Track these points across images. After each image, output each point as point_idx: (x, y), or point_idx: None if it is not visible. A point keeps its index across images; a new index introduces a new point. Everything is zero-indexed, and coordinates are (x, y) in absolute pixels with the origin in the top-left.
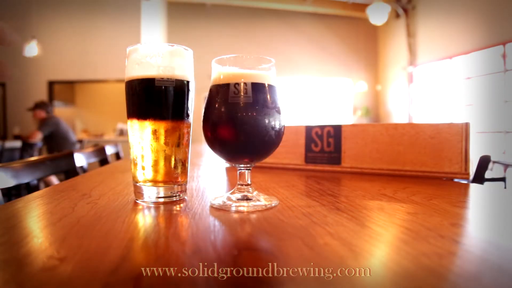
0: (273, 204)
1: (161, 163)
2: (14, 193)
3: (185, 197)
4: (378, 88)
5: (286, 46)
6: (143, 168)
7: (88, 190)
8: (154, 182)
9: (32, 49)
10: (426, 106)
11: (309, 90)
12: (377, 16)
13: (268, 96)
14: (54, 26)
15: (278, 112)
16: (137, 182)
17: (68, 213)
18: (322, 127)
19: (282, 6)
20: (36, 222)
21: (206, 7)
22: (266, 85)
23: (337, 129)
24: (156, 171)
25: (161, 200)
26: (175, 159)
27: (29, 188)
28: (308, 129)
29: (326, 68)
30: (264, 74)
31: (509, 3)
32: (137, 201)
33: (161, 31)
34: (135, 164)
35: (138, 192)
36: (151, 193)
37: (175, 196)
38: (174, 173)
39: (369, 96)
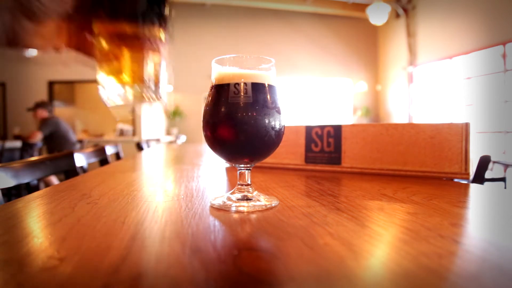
0: (273, 204)
1: None
2: (14, 193)
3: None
4: (378, 88)
5: (286, 46)
6: None
7: (88, 190)
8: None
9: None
10: (426, 106)
11: (309, 90)
12: (377, 16)
13: (268, 96)
14: None
15: (278, 112)
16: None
17: (68, 213)
18: (322, 127)
19: (282, 6)
20: (36, 222)
21: (206, 7)
22: (266, 85)
23: (337, 129)
24: None
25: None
26: None
27: (29, 188)
28: (308, 129)
29: (326, 68)
30: (264, 74)
31: (509, 3)
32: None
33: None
34: None
35: None
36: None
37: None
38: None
39: (369, 96)
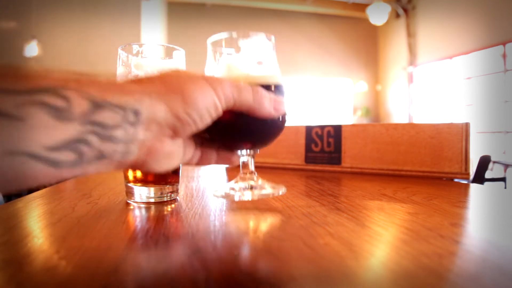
0: (280, 193)
1: None
2: (14, 193)
3: (177, 198)
4: (378, 88)
5: (286, 46)
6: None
7: (88, 190)
8: (145, 182)
9: (32, 49)
10: (426, 106)
11: (309, 90)
12: (377, 16)
13: (271, 77)
14: (54, 26)
15: (282, 94)
16: (128, 182)
17: (68, 213)
18: (322, 127)
19: (282, 6)
20: (36, 222)
21: (206, 7)
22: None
23: (337, 129)
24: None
25: (152, 200)
26: None
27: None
28: (308, 129)
29: (326, 68)
30: (266, 53)
31: (509, 3)
32: (128, 201)
33: (161, 31)
34: None
35: (129, 192)
36: (142, 193)
37: (166, 196)
38: (165, 174)
39: (369, 96)
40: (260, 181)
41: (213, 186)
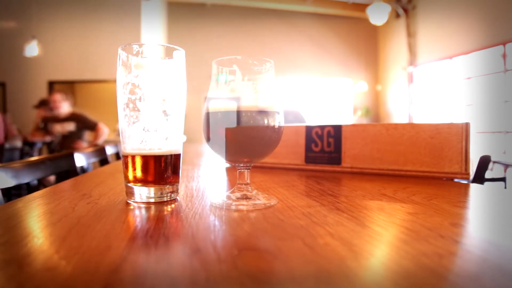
0: (272, 203)
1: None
2: (14, 193)
3: (177, 197)
4: (378, 88)
5: (286, 46)
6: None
7: (88, 190)
8: (145, 182)
9: (32, 49)
10: (426, 106)
11: (309, 90)
12: (377, 16)
13: (268, 98)
14: (54, 26)
15: (277, 112)
16: (128, 182)
17: (68, 213)
18: (322, 127)
19: (282, 6)
20: (36, 222)
21: (206, 7)
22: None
23: (337, 129)
24: (146, 171)
25: (152, 200)
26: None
27: (29, 188)
28: (308, 129)
29: (326, 68)
30: (265, 76)
31: (509, 3)
32: (128, 201)
33: (161, 31)
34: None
35: (129, 192)
36: (142, 193)
37: (165, 196)
38: (165, 174)
39: (369, 96)
40: (254, 192)
41: (212, 194)
